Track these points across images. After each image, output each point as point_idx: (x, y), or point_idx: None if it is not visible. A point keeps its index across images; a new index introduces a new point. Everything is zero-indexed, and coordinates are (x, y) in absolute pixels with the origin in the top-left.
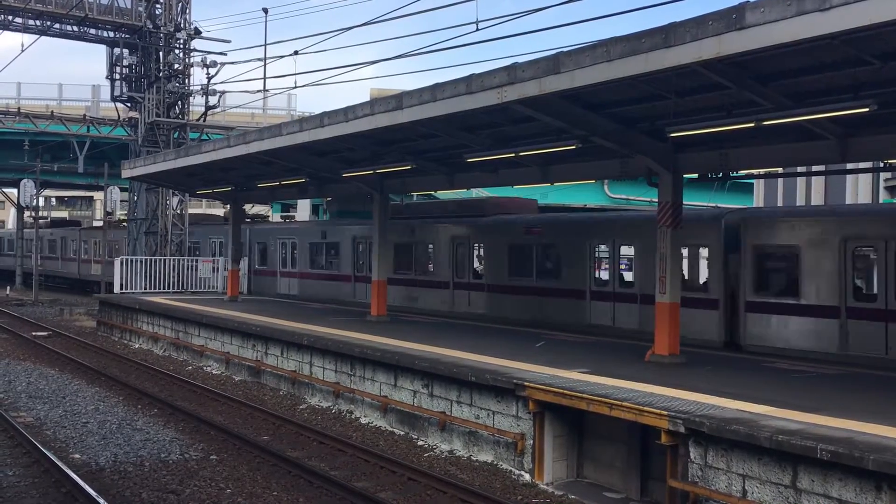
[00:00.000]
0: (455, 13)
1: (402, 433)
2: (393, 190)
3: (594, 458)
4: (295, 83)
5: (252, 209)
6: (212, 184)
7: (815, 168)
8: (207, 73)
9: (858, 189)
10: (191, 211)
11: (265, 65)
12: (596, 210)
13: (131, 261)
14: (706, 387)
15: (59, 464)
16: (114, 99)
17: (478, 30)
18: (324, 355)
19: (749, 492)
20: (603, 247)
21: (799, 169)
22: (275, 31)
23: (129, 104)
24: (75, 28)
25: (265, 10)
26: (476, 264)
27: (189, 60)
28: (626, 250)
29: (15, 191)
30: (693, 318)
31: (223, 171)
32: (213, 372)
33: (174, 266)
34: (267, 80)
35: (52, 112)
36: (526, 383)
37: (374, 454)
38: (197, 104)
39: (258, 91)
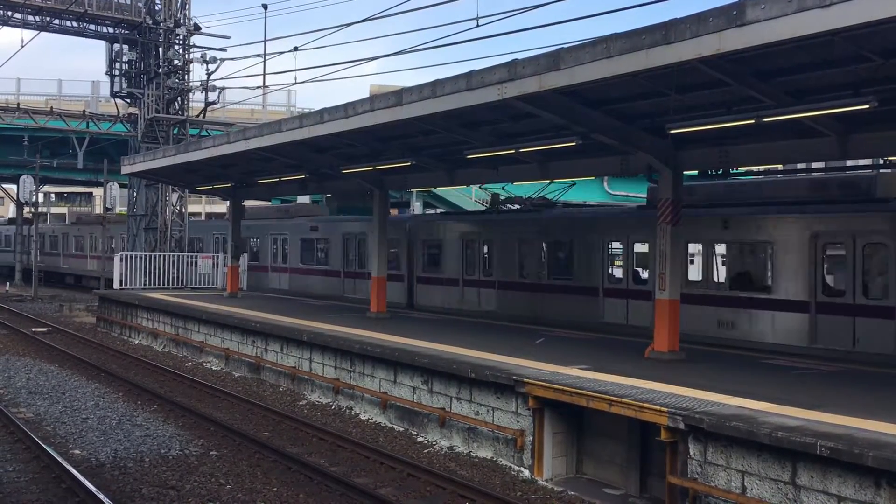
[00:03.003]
0: (455, 9)
1: (402, 429)
2: (393, 186)
3: (594, 454)
4: (295, 79)
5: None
6: (211, 180)
7: (814, 165)
8: (207, 70)
9: None
10: (192, 208)
11: (265, 61)
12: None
13: (131, 257)
14: (705, 383)
15: (60, 459)
16: (113, 95)
17: (478, 26)
18: (323, 351)
19: (748, 488)
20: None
21: (799, 166)
22: (274, 28)
23: (128, 100)
24: (75, 24)
25: (265, 7)
26: None
27: (189, 56)
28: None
29: (14, 187)
30: None
31: (223, 167)
32: (213, 368)
33: (174, 262)
34: (266, 77)
35: (51, 108)
36: (526, 380)
37: (374, 450)
38: (196, 100)
39: (258, 87)
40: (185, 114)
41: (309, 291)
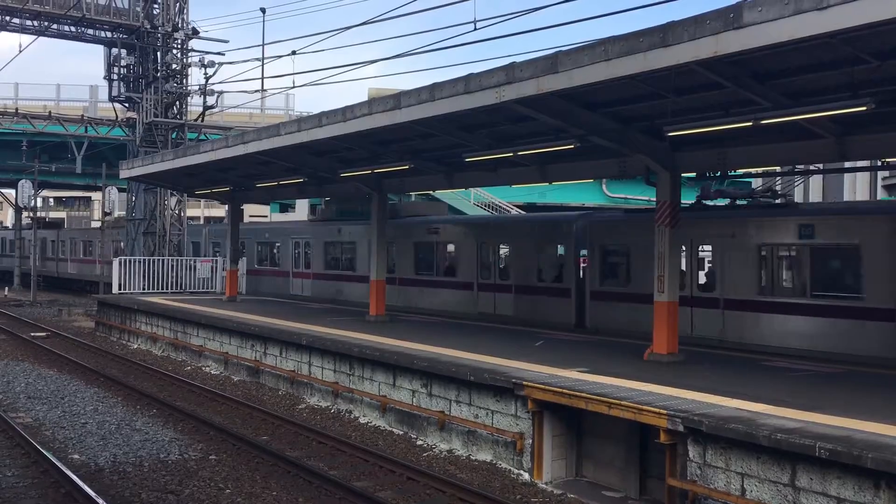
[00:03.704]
0: (453, 13)
1: (401, 433)
2: (391, 190)
3: (593, 456)
4: (293, 83)
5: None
6: (210, 184)
7: (812, 167)
8: (205, 73)
9: (856, 188)
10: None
11: (263, 65)
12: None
13: (129, 261)
14: (704, 385)
15: (59, 464)
16: (112, 99)
17: (476, 29)
18: (323, 355)
19: (748, 490)
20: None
21: (797, 168)
22: (273, 31)
23: (126, 104)
24: (73, 28)
25: (263, 10)
26: None
27: (187, 60)
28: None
29: (13, 191)
30: None
31: (221, 171)
32: (212, 372)
33: (172, 266)
34: (265, 80)
35: (49, 112)
36: (525, 382)
37: (373, 454)
38: (195, 104)
39: (256, 91)
40: (184, 118)
41: (425, 307)
